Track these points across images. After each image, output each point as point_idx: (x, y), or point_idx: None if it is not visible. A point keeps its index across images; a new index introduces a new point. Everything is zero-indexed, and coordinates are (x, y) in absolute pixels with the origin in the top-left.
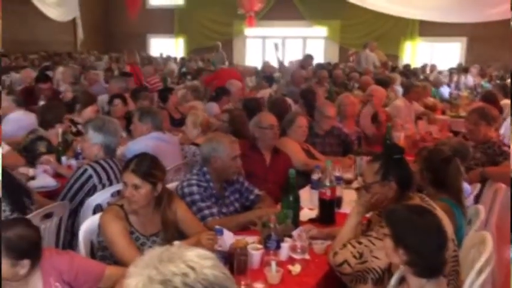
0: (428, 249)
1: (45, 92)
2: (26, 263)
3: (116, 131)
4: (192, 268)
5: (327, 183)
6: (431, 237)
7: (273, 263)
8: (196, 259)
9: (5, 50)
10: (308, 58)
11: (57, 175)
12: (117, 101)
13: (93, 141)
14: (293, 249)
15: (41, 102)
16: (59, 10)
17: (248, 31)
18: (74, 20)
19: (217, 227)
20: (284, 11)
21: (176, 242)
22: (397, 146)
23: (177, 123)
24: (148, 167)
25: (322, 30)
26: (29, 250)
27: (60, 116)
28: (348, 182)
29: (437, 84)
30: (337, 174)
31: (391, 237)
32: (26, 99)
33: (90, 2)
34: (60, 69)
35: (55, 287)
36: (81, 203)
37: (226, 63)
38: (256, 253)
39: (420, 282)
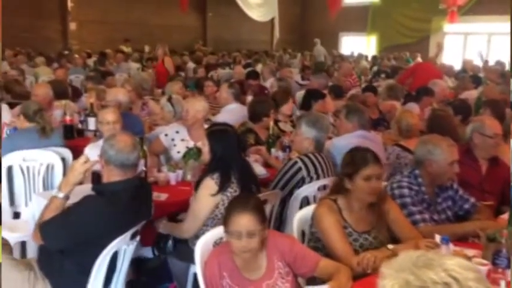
0: None
1: (253, 87)
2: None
3: (327, 127)
4: (455, 279)
5: None
6: None
7: (503, 283)
8: (459, 269)
9: (212, 48)
10: None
11: (266, 165)
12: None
13: (305, 135)
14: None
15: (249, 97)
16: (260, 11)
17: (448, 27)
18: (271, 20)
19: (437, 235)
20: (491, 5)
21: (390, 246)
22: None
23: (375, 123)
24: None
25: None
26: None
27: (268, 110)
28: None
29: None
30: None
31: None
32: None
33: (287, 2)
34: (259, 66)
35: (277, 266)
36: (290, 193)
37: (323, 58)
38: (482, 269)
39: None
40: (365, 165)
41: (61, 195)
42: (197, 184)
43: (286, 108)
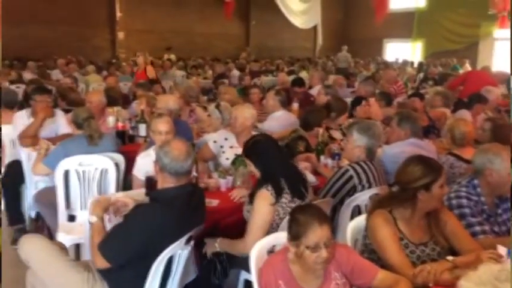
0: None
1: (299, 94)
2: None
3: (379, 135)
4: None
5: None
6: None
7: None
8: None
9: (255, 55)
10: None
11: (314, 172)
12: (364, 103)
13: (356, 143)
14: None
15: (295, 104)
16: (303, 18)
17: (498, 33)
18: (314, 27)
19: (501, 247)
20: None
21: (450, 258)
22: None
23: (425, 130)
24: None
25: None
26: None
27: (320, 120)
28: None
29: None
30: None
31: None
32: None
33: (330, 9)
34: (303, 73)
35: (334, 276)
36: (340, 201)
37: (352, 63)
38: None
39: None
40: (441, 172)
41: (95, 219)
42: (251, 196)
43: (343, 118)
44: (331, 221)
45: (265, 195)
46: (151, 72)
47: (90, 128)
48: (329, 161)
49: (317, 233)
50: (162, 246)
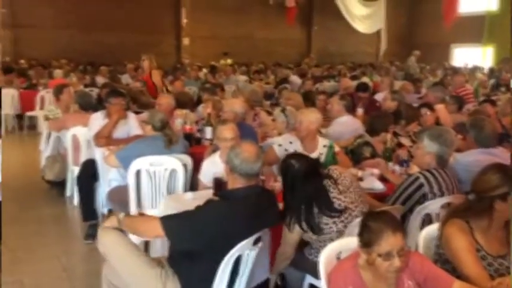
0: None
1: (363, 100)
2: None
3: (451, 142)
4: None
5: None
6: None
7: None
8: None
9: (316, 60)
10: None
11: (381, 178)
12: (424, 110)
13: (427, 149)
14: None
15: (359, 110)
16: (366, 23)
17: None
18: (377, 32)
19: None
20: None
21: None
22: None
23: (498, 138)
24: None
25: None
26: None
27: (387, 126)
28: None
29: None
30: None
31: None
32: None
33: (395, 13)
34: (366, 78)
35: (407, 285)
36: (410, 209)
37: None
38: None
39: None
40: None
41: (122, 214)
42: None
43: (413, 126)
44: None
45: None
46: (156, 77)
47: (170, 131)
48: (397, 168)
49: (390, 241)
50: (230, 243)
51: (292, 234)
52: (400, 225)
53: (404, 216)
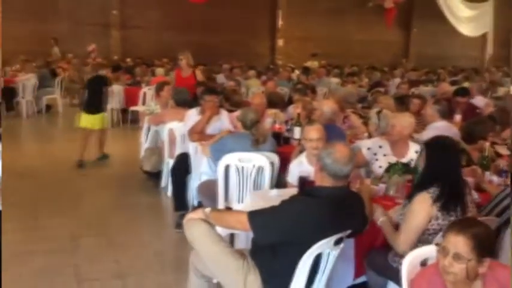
0: None
1: (461, 105)
2: (487, 261)
3: None
4: None
5: None
6: None
7: None
8: None
9: (414, 63)
10: None
11: (476, 188)
12: None
13: None
14: None
15: (457, 116)
16: (470, 25)
17: None
18: (483, 35)
19: None
20: None
21: None
22: None
23: None
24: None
25: None
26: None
27: (486, 133)
28: None
29: None
30: None
31: None
32: None
33: (503, 15)
34: (467, 84)
35: None
36: (505, 222)
37: None
38: None
39: None
40: None
41: (208, 209)
42: (410, 197)
43: (506, 132)
44: (492, 243)
45: (425, 198)
46: (200, 77)
47: (257, 132)
48: (495, 178)
49: (449, 238)
50: (312, 239)
51: (421, 217)
52: (472, 233)
53: (500, 229)
